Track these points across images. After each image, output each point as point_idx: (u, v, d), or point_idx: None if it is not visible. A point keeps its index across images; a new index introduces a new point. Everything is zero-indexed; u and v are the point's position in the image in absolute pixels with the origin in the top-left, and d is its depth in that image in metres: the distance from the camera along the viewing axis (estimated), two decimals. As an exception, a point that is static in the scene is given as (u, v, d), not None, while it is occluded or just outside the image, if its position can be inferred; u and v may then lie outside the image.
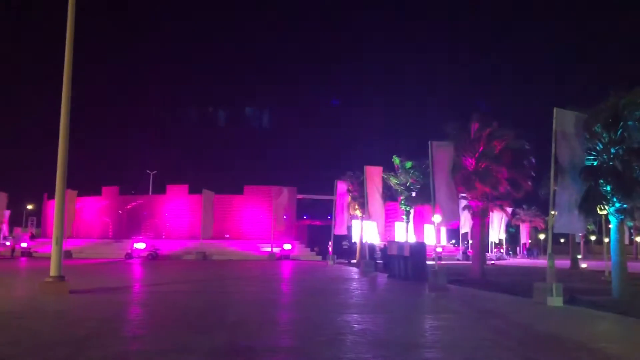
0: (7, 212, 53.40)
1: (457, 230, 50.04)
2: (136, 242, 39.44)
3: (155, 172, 63.01)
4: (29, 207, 64.13)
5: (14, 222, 59.30)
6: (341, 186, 38.68)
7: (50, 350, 8.00)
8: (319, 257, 43.52)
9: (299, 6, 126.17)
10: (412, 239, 37.82)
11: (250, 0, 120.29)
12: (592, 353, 8.41)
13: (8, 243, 49.77)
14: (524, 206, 63.29)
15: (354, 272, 28.53)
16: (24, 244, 43.29)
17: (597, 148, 16.57)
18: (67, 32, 15.91)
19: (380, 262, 29.92)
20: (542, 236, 68.08)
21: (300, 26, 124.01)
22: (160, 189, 57.31)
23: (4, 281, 21.14)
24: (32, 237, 47.65)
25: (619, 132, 16.05)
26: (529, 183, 22.89)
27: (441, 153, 21.85)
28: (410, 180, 35.39)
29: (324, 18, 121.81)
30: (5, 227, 53.94)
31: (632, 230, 56.07)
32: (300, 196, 51.57)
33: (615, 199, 15.97)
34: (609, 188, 15.89)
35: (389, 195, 36.01)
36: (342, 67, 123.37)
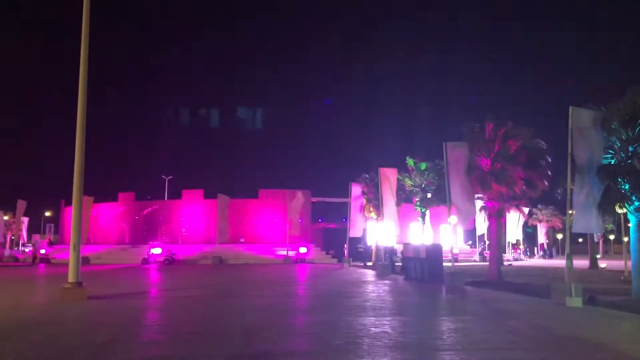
0: (26, 219, 54.10)
1: (474, 231, 49.67)
2: (153, 248, 39.69)
3: (170, 177, 63.49)
4: (47, 214, 64.94)
5: (32, 229, 60.07)
6: (356, 188, 38.62)
7: (70, 356, 8.07)
8: (335, 260, 43.46)
9: (309, 5, 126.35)
10: (428, 240, 37.60)
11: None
12: (613, 354, 8.30)
13: (27, 250, 50.38)
14: (539, 206, 62.65)
15: (370, 274, 28.45)
16: (42, 251, 43.79)
17: (615, 146, 16.36)
18: (82, 44, 16.08)
19: (400, 264, 29.81)
20: (559, 236, 67.36)
21: (310, 26, 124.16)
22: (175, 194, 57.73)
23: (23, 288, 21.40)
24: (50, 243, 48.15)
25: (636, 130, 15.85)
26: (546, 183, 22.66)
27: (456, 154, 21.76)
28: (425, 182, 35.22)
29: (334, 18, 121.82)
30: (23, 234, 54.61)
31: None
32: (315, 199, 51.59)
33: (634, 198, 15.76)
34: (627, 186, 15.68)
35: (404, 196, 35.88)
36: (355, 69, 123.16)
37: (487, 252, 40.10)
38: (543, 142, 23.00)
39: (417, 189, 35.69)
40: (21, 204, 50.11)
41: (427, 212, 37.16)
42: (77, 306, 13.89)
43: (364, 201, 38.78)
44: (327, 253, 46.22)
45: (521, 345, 8.90)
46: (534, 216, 63.63)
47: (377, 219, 36.30)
